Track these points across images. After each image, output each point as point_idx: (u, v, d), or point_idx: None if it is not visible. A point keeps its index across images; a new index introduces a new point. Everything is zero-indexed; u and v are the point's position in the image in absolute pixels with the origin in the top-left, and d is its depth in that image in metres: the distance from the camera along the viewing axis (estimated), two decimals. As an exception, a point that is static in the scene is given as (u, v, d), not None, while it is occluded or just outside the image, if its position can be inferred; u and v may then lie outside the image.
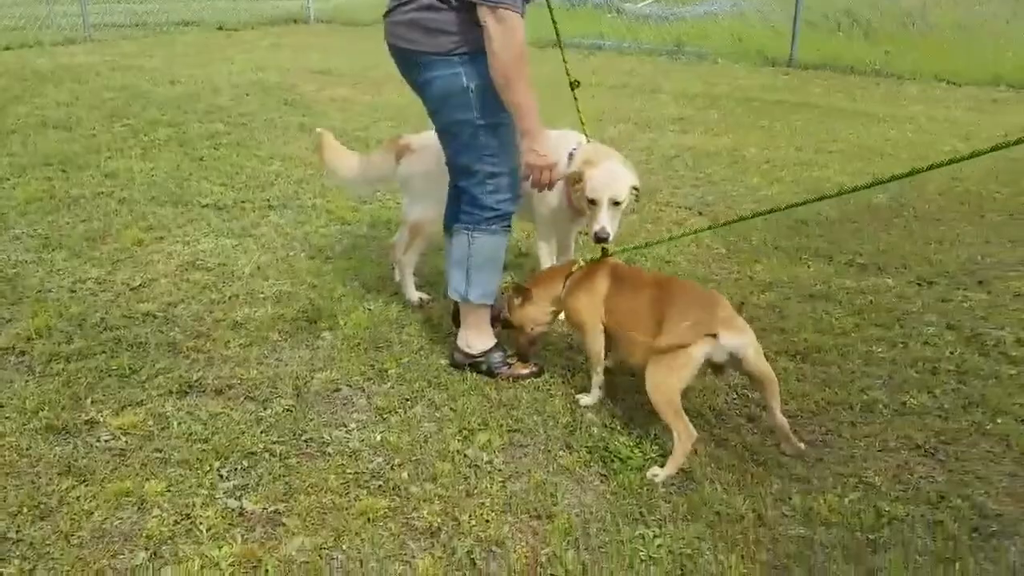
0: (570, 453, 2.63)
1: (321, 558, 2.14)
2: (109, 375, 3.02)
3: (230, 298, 3.73)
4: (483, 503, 2.36)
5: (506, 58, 2.61)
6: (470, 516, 2.30)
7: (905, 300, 3.84)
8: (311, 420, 2.78)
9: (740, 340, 2.48)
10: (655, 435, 2.71)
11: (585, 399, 2.93)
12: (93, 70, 9.91)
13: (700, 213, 5.21)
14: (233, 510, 2.31)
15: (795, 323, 3.58)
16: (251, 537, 2.21)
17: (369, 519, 2.28)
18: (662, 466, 2.52)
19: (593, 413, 2.85)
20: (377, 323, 3.49)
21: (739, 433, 2.75)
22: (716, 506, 2.37)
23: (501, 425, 2.76)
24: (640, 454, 2.61)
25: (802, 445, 2.64)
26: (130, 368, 3.06)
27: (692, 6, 15.10)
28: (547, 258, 3.62)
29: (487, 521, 2.29)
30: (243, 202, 5.17)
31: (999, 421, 2.81)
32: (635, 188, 3.17)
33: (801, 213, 4.97)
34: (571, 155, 3.28)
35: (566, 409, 2.87)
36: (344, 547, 2.18)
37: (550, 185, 2.89)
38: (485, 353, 3.11)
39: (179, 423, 2.72)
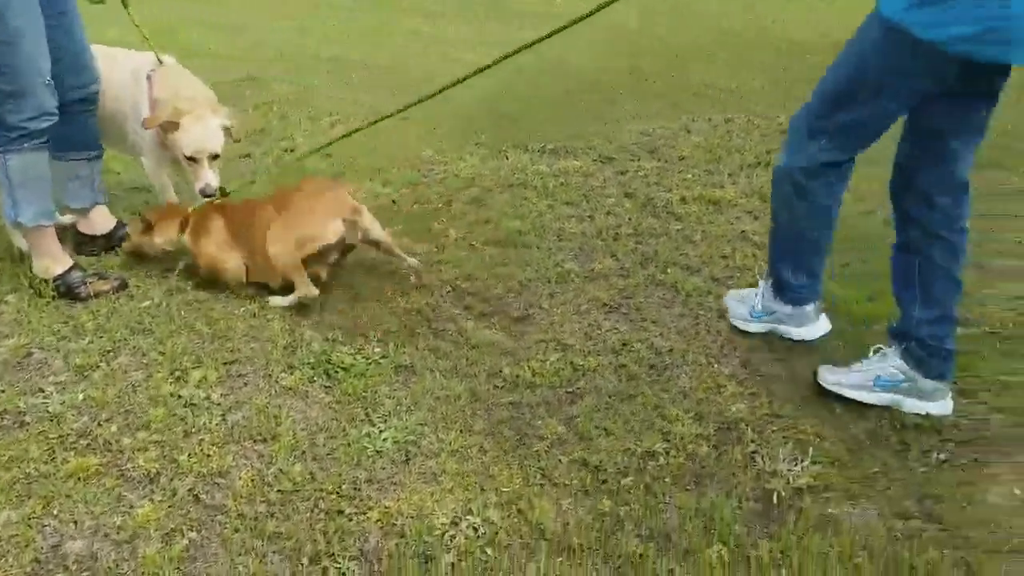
0: (292, 373, 2.64)
1: (32, 527, 2.01)
2: None
3: None
4: (202, 439, 2.32)
5: None
6: (189, 455, 2.26)
7: (590, 177, 4.21)
8: (2, 392, 2.53)
9: (368, 218, 2.99)
10: (377, 338, 2.80)
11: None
12: None
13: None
14: (-82, 504, 2.08)
15: (497, 212, 3.79)
16: (-56, 527, 2.02)
17: (80, 479, 2.16)
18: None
19: (313, 329, 2.87)
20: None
21: (455, 322, 2.92)
22: (436, 392, 2.53)
23: (216, 359, 2.69)
24: (363, 360, 2.69)
25: (414, 260, 3.16)
26: None
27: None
28: (166, 192, 3.53)
29: (208, 456, 2.26)
30: None
31: (668, 272, 3.23)
32: (227, 128, 3.17)
33: (503, 108, 5.20)
34: (150, 78, 3.19)
35: (285, 331, 2.86)
36: (55, 512, 2.06)
37: None
38: (62, 276, 3.07)
39: None
